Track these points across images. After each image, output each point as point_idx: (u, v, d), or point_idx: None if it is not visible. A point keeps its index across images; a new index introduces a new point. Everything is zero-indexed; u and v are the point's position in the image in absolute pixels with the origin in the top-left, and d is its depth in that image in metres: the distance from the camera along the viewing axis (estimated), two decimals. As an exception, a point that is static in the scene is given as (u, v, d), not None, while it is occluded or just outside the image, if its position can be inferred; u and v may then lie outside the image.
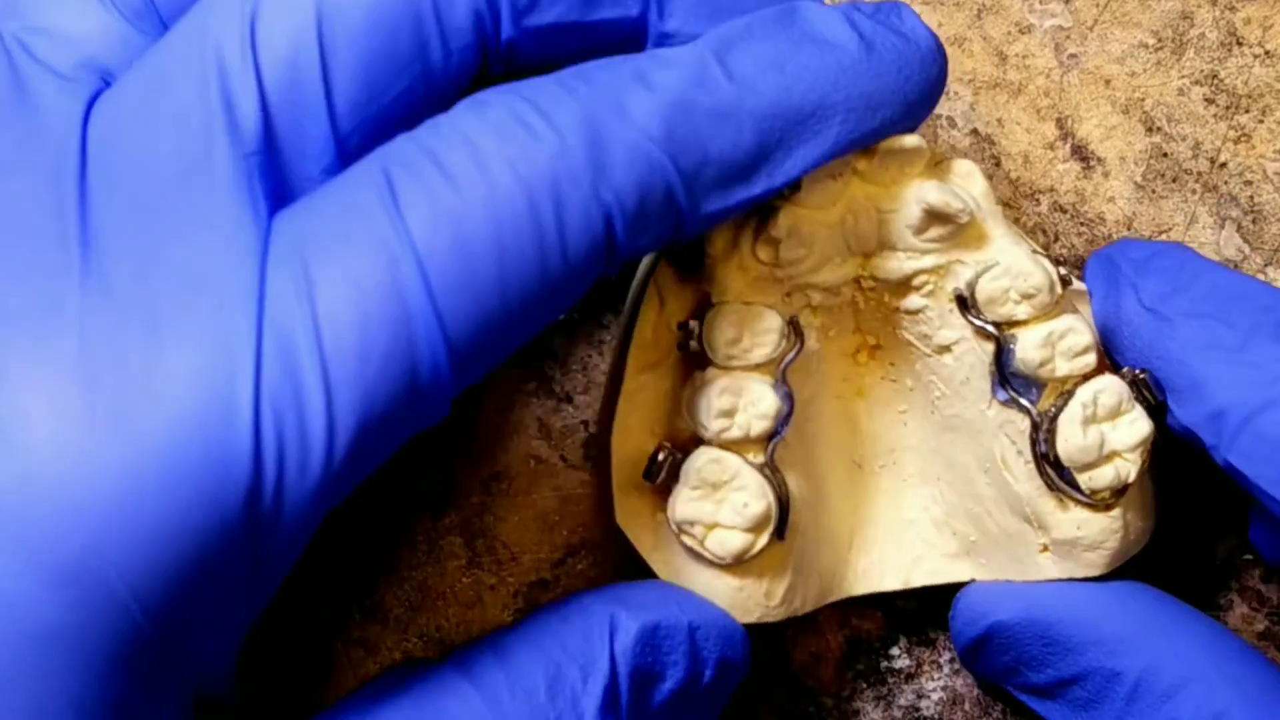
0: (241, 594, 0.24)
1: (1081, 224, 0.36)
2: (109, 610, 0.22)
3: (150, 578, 0.22)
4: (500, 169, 0.24)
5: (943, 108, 0.36)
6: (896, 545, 0.35)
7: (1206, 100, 0.37)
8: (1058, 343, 0.31)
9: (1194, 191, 0.36)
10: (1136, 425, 0.31)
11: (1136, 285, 0.31)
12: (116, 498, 0.22)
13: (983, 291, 0.31)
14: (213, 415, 0.22)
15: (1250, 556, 0.36)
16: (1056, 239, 0.36)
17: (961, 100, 0.37)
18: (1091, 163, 0.36)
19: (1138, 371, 0.31)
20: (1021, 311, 0.31)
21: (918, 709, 0.36)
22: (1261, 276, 0.36)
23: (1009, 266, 0.31)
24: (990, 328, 0.31)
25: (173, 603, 0.23)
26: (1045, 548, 0.32)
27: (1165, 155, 0.36)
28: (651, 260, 0.34)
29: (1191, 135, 0.36)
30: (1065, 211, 0.36)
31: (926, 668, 0.36)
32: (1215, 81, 0.37)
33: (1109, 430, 0.31)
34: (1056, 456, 0.31)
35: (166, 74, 0.25)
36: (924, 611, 0.36)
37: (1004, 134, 0.37)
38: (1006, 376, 0.31)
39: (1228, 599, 0.36)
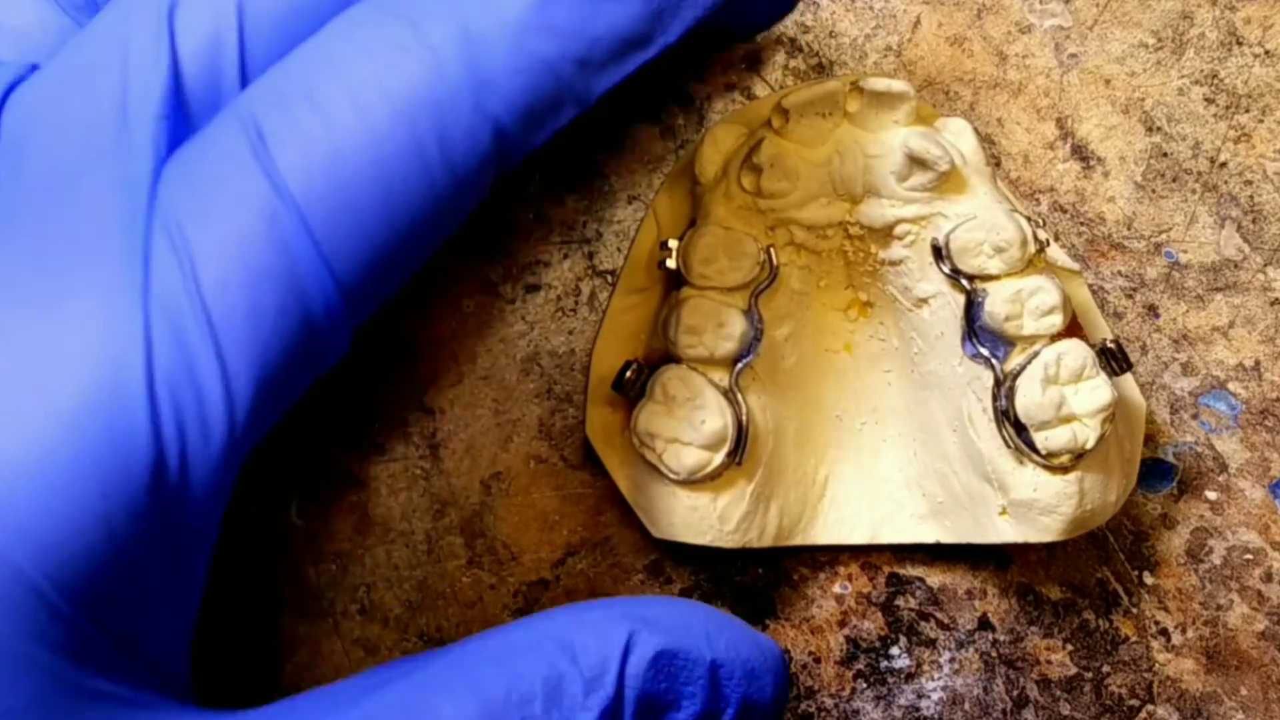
0: (165, 569, 0.24)
1: (1081, 224, 0.36)
2: (25, 596, 0.22)
3: (63, 561, 0.22)
4: (374, 98, 0.23)
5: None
6: (869, 502, 0.36)
7: (1206, 100, 0.36)
8: (1027, 300, 0.31)
9: (1194, 191, 0.36)
10: (1098, 392, 0.31)
11: None
12: (20, 486, 0.21)
13: (956, 241, 0.32)
14: (108, 397, 0.22)
15: (1251, 556, 0.36)
16: (1057, 238, 0.36)
17: (961, 100, 0.37)
18: (1091, 162, 0.36)
19: (1108, 341, 0.32)
20: (993, 265, 0.32)
21: (918, 709, 0.36)
22: (1261, 276, 0.36)
23: (984, 219, 0.31)
24: (962, 280, 0.32)
25: (90, 584, 0.22)
26: (1004, 510, 0.33)
27: (1165, 155, 0.36)
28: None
29: (1191, 135, 0.36)
30: (1065, 211, 0.36)
31: (926, 668, 0.36)
32: (1215, 81, 0.36)
33: (1070, 393, 0.31)
34: (1015, 414, 0.31)
35: (82, 60, 0.24)
36: (924, 611, 0.36)
37: (1004, 134, 0.37)
38: (975, 330, 0.32)
39: (1228, 599, 0.36)
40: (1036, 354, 0.31)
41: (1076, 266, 0.35)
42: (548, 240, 0.37)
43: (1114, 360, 0.32)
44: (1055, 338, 0.32)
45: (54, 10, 0.26)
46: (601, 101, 0.37)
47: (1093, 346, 0.32)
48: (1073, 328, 0.32)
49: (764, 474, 0.33)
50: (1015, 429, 0.31)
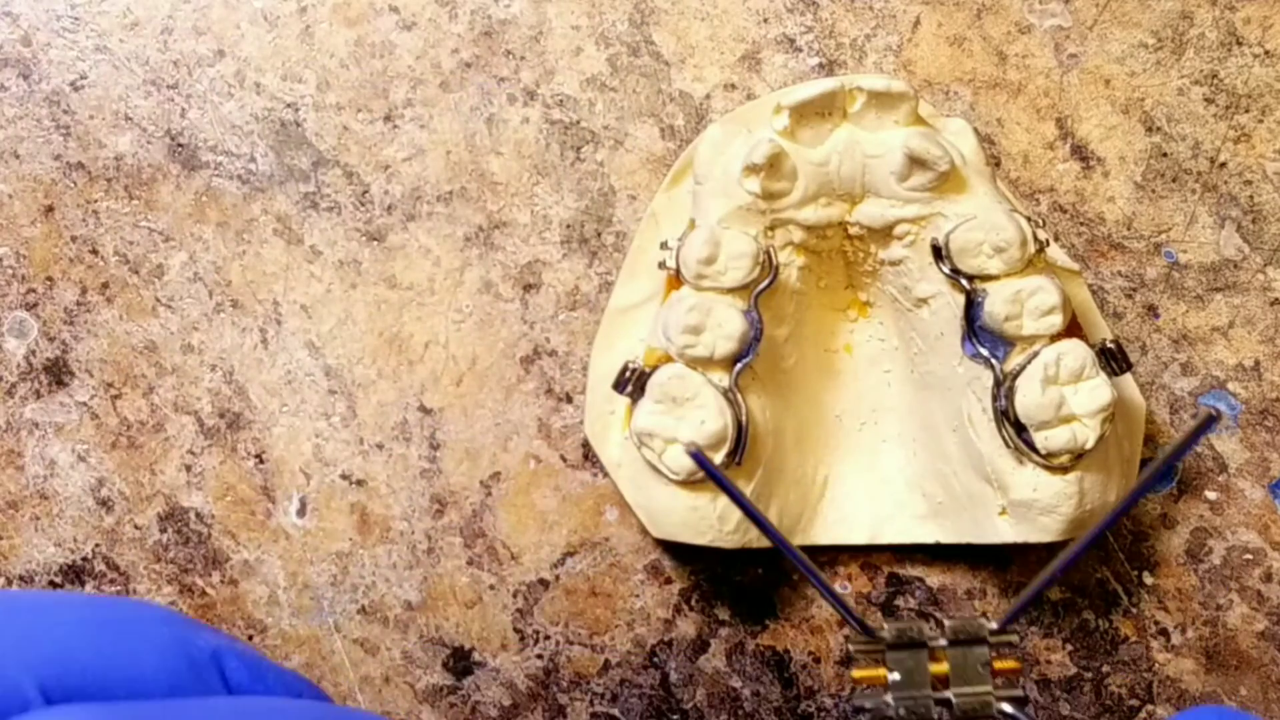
0: None
1: (1081, 224, 0.36)
2: None
3: None
4: None
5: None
6: (869, 502, 0.36)
7: (1206, 100, 0.36)
8: (1026, 300, 0.31)
9: (1194, 191, 0.36)
10: (1098, 391, 0.31)
11: None
12: None
13: (956, 241, 0.32)
14: None
15: (1250, 556, 0.36)
16: (1057, 238, 0.36)
17: (961, 100, 0.37)
18: (1091, 162, 0.36)
19: (1108, 341, 0.32)
20: (993, 266, 0.31)
21: (917, 709, 0.36)
22: (1261, 276, 0.36)
23: (984, 219, 0.31)
24: (962, 280, 0.32)
25: None
26: (1004, 510, 0.33)
27: (1165, 155, 0.36)
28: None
29: (1191, 135, 0.36)
30: (1065, 211, 0.36)
31: (926, 668, 0.36)
32: (1215, 81, 0.36)
33: (1070, 393, 0.31)
34: (1015, 414, 0.31)
35: None
36: (924, 612, 0.36)
37: (1004, 134, 0.37)
38: (975, 330, 0.32)
39: (1228, 599, 0.36)
40: (1036, 354, 0.31)
41: (1076, 266, 0.35)
42: (548, 240, 0.37)
43: (1114, 360, 0.32)
44: (1055, 338, 0.32)
45: None
46: (602, 104, 0.37)
47: (1092, 346, 0.32)
48: (1072, 328, 0.32)
49: (764, 474, 0.33)
50: (1015, 429, 0.31)
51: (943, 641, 0.28)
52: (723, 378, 0.32)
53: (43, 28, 0.37)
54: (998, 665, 0.28)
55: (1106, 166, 0.36)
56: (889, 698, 0.28)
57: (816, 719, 0.36)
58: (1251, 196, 0.36)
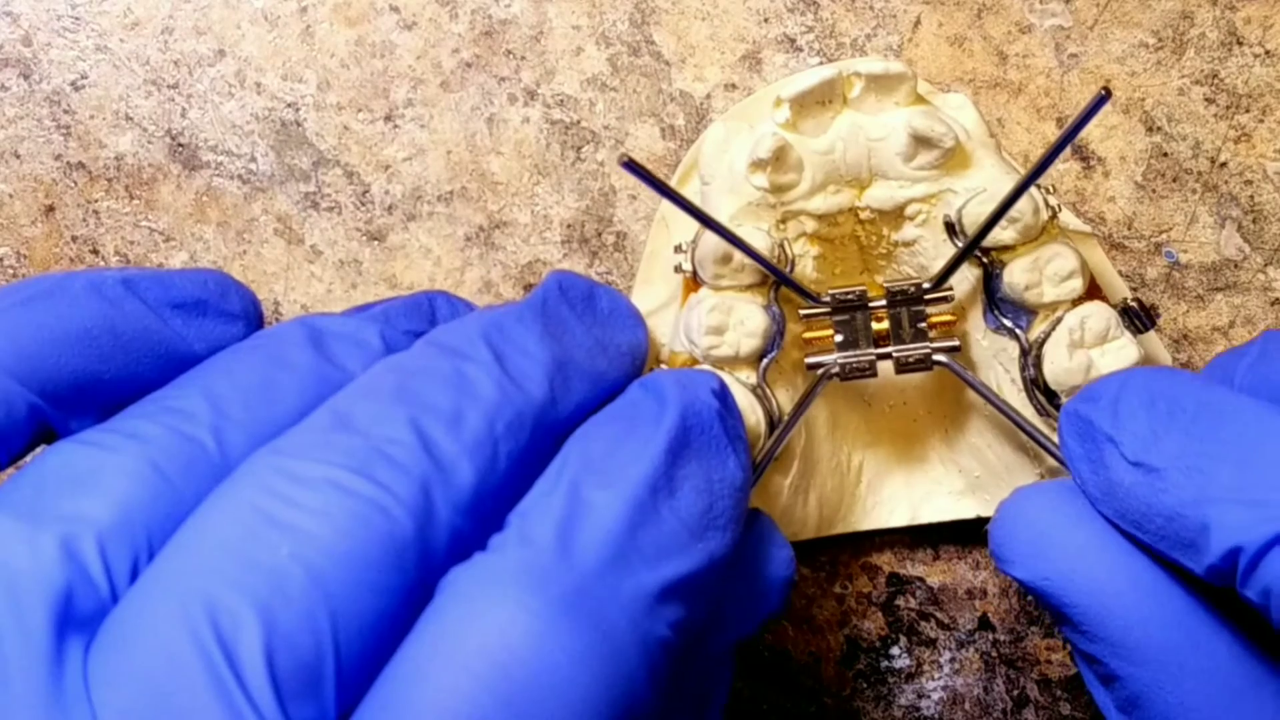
0: None
1: (1082, 223, 0.36)
2: None
3: None
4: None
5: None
6: (905, 484, 0.35)
7: (1206, 100, 0.37)
8: (1044, 267, 0.31)
9: (1194, 191, 0.36)
10: (1124, 351, 0.31)
11: (1115, 439, 0.27)
12: None
13: (969, 215, 0.31)
14: None
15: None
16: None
17: (961, 100, 0.37)
18: (1092, 162, 0.36)
19: (1129, 300, 0.32)
20: (1008, 236, 0.31)
21: (918, 709, 0.36)
22: (1262, 276, 0.36)
23: (995, 191, 0.31)
24: (978, 253, 0.32)
25: None
26: (1042, 477, 0.33)
27: (1165, 155, 0.36)
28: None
29: (1191, 135, 0.36)
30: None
31: (926, 668, 0.36)
32: (1215, 81, 0.37)
33: (1097, 356, 0.31)
34: (1044, 381, 0.31)
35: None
36: (924, 611, 0.36)
37: (1004, 134, 0.37)
38: (996, 302, 0.32)
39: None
40: (1059, 320, 0.31)
41: (1088, 229, 0.34)
42: (548, 240, 0.37)
43: (1137, 319, 0.32)
44: (1076, 302, 0.31)
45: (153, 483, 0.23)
46: (603, 104, 0.37)
47: (1114, 307, 0.32)
48: (1092, 290, 0.32)
49: (800, 466, 0.33)
50: (1046, 396, 0.31)
51: (882, 302, 0.32)
52: (750, 375, 0.32)
53: (43, 28, 0.37)
54: (934, 319, 0.32)
55: (1107, 166, 0.36)
56: (836, 356, 0.32)
57: (816, 719, 0.36)
58: (1252, 196, 0.36)
